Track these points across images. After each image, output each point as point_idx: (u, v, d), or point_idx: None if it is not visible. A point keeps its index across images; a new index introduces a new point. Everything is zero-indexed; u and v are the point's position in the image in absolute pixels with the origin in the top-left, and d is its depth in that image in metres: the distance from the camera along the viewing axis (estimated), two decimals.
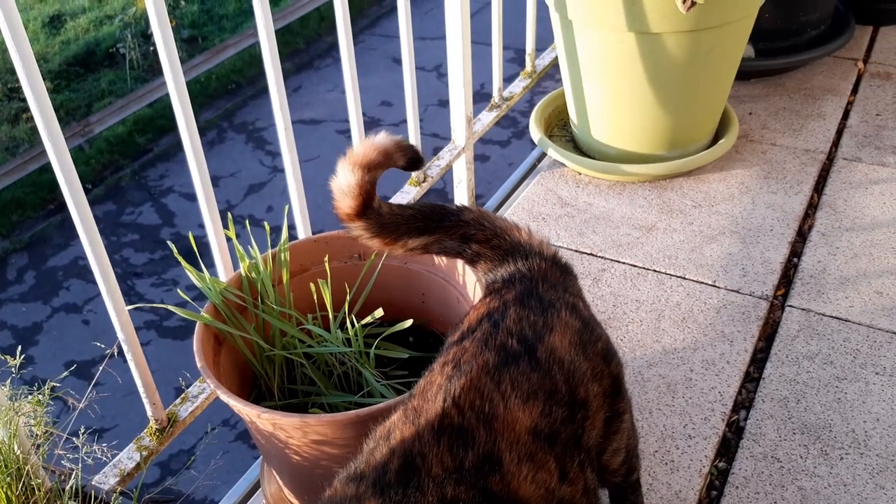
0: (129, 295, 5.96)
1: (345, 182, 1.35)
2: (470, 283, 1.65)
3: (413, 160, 1.43)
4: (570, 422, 1.21)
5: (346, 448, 1.43)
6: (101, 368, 1.53)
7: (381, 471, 1.10)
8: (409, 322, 1.58)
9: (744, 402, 1.95)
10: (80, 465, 1.40)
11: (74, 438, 1.44)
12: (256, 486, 1.80)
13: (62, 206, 6.90)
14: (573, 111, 2.80)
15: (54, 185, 7.01)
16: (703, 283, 2.26)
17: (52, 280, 6.07)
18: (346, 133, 2.22)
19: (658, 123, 2.60)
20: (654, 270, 2.31)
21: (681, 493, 1.76)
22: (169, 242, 1.68)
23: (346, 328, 1.61)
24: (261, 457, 1.75)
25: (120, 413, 3.41)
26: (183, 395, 1.76)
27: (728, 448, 1.85)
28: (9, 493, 1.35)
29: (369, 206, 1.37)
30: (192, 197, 7.36)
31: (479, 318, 1.30)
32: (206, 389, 1.77)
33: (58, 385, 1.41)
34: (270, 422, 1.40)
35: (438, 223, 1.43)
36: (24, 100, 8.02)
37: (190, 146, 1.64)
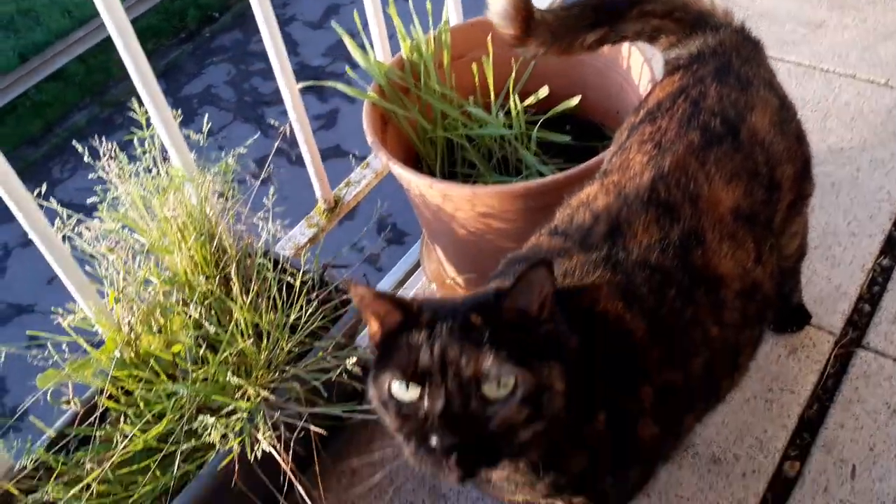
0: (259, 122, 6.14)
1: (500, 7, 1.27)
2: (635, 66, 1.59)
3: None
4: (767, 204, 1.19)
5: (513, 222, 1.46)
6: (274, 146, 1.59)
7: (585, 232, 1.12)
8: (576, 99, 1.55)
9: None
10: (264, 231, 1.50)
11: (259, 213, 1.53)
12: (416, 267, 1.89)
13: (192, 35, 7.04)
14: None
15: (185, 13, 7.09)
16: (874, 82, 2.10)
17: (187, 108, 6.29)
18: None
19: None
20: (822, 69, 2.16)
21: (841, 286, 1.73)
22: (334, 24, 1.67)
23: (507, 112, 1.60)
24: (420, 237, 1.82)
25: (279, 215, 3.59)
26: (346, 181, 1.83)
27: (893, 246, 1.78)
28: (203, 251, 1.47)
29: (532, 21, 1.29)
30: (314, 25, 7.34)
31: (670, 96, 1.24)
32: (367, 175, 1.83)
33: (243, 151, 1.49)
34: (441, 193, 1.44)
35: (609, 11, 1.35)
36: None
37: None
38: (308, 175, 1.75)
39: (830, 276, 1.75)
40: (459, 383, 0.87)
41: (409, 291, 1.84)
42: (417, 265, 1.87)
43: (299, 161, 1.72)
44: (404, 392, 0.89)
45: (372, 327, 0.95)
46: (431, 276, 1.75)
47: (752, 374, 1.62)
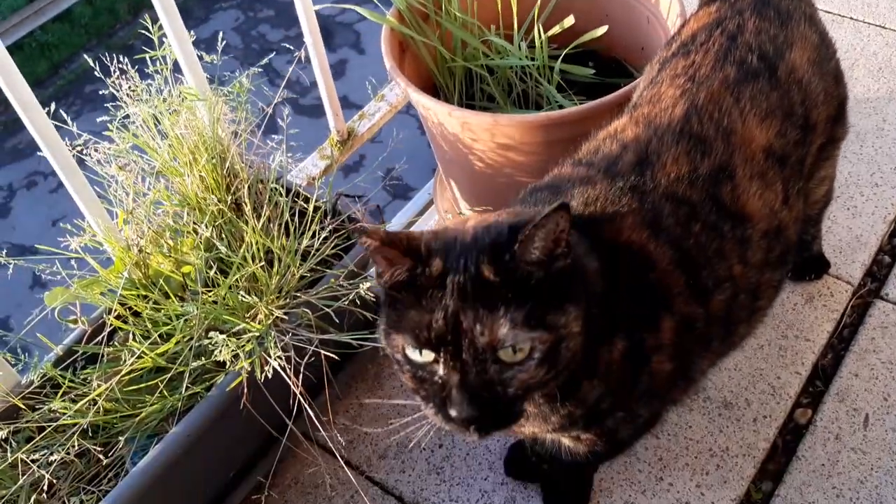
0: (267, 70, 6.07)
1: None
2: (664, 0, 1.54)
3: None
4: (800, 146, 1.16)
5: (532, 155, 1.43)
6: (289, 69, 1.55)
7: (612, 161, 1.09)
8: (603, 29, 1.51)
9: None
10: (276, 160, 1.47)
11: (272, 136, 1.49)
12: (429, 205, 1.86)
13: None
14: None
15: None
16: None
17: None
18: None
19: None
20: (851, 18, 2.10)
21: (861, 237, 1.70)
22: None
23: (529, 45, 1.56)
24: (434, 175, 1.79)
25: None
26: (360, 113, 1.80)
27: None
28: (215, 175, 1.43)
29: None
30: None
31: (706, 29, 1.20)
32: (381, 108, 1.79)
33: (257, 71, 1.45)
34: (460, 121, 1.40)
35: None
36: None
37: None
38: (316, 124, 1.70)
39: (851, 225, 1.72)
40: (475, 352, 0.85)
41: (424, 227, 1.81)
42: (430, 203, 1.84)
43: (306, 112, 1.67)
44: (418, 356, 0.88)
45: (380, 266, 0.91)
46: (444, 215, 1.72)
47: (768, 322, 1.60)
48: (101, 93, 1.42)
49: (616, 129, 1.15)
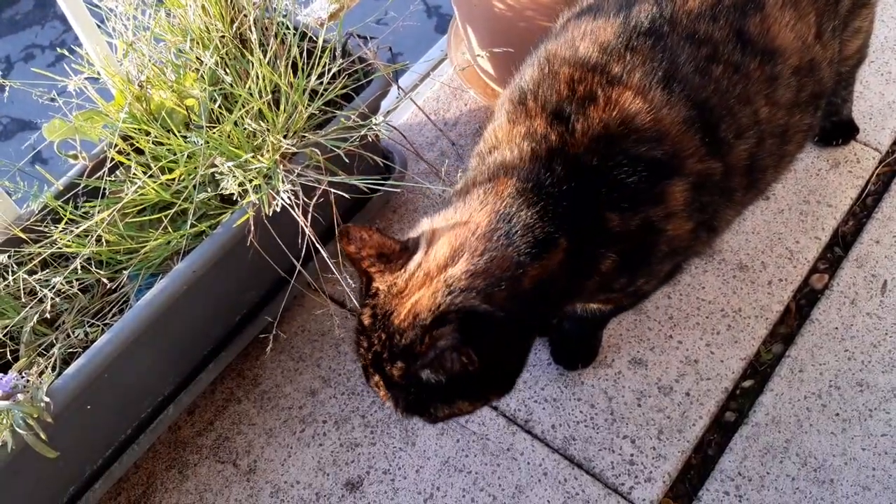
0: None
1: None
2: None
3: None
4: None
5: None
6: None
7: (622, 2, 1.01)
8: None
9: None
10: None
11: None
12: (444, 59, 1.77)
13: None
14: None
15: None
16: None
17: None
18: None
19: None
20: None
21: (893, 103, 1.63)
22: None
23: None
24: (450, 25, 1.70)
25: None
26: None
27: None
28: (218, 6, 1.35)
29: None
30: None
31: None
32: None
33: None
34: None
35: None
36: None
37: None
38: None
39: (884, 91, 1.64)
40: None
41: (435, 82, 1.74)
42: (443, 60, 1.76)
43: None
44: None
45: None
46: (458, 65, 1.65)
47: (790, 186, 1.55)
48: None
49: None
